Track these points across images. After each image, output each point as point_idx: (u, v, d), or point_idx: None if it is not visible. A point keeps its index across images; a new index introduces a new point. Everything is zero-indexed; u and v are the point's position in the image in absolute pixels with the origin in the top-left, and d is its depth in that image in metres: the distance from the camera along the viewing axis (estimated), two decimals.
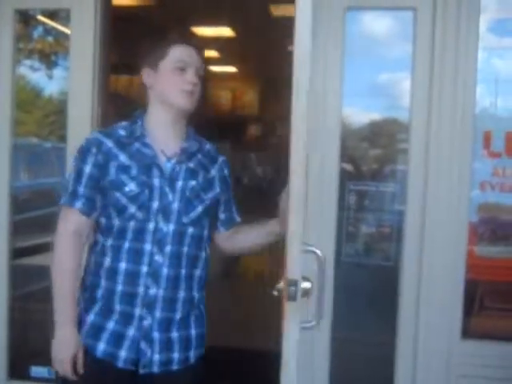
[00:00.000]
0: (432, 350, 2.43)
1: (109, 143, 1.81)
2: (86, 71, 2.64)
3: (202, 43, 1.93)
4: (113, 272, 1.79)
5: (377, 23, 2.71)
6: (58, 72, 3.38)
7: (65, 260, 1.79)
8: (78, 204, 1.80)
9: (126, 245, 1.78)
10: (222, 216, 1.97)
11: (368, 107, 2.79)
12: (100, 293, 1.80)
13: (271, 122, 7.26)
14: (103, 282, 1.80)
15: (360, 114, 2.83)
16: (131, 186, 1.77)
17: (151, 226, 1.78)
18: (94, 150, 1.80)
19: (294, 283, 1.53)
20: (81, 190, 1.80)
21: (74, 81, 2.67)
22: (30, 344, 2.91)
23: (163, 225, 1.78)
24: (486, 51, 2.50)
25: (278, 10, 4.73)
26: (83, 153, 1.82)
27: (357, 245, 2.75)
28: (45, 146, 4.63)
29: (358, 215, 2.80)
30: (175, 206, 1.80)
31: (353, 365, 2.53)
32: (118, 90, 5.80)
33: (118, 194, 1.77)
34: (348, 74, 2.50)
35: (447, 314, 2.43)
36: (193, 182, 1.84)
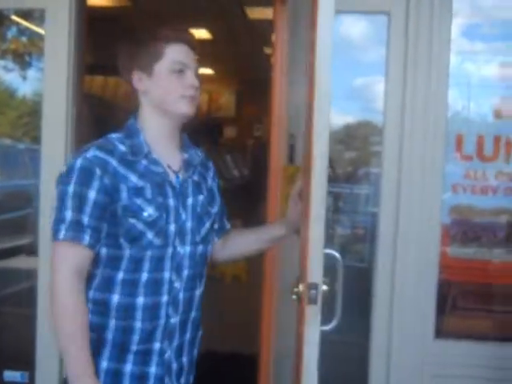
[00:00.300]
0: (405, 349, 2.46)
1: (113, 162, 1.55)
2: (60, 72, 2.62)
3: (196, 40, 1.69)
4: (128, 310, 1.57)
5: (353, 27, 2.75)
6: (32, 73, 3.35)
7: (74, 314, 1.51)
8: (86, 238, 1.51)
9: (144, 277, 1.57)
10: (215, 226, 1.79)
11: (344, 110, 2.82)
12: (110, 335, 1.57)
13: (247, 123, 7.29)
14: (113, 322, 1.57)
15: (336, 117, 2.86)
16: (149, 211, 1.55)
17: (169, 251, 1.59)
18: (98, 171, 1.52)
19: (315, 287, 1.53)
20: (85, 220, 1.51)
21: (49, 81, 2.64)
22: (3, 348, 2.87)
23: (180, 248, 1.61)
24: (459, 55, 2.54)
25: (253, 13, 4.75)
26: (85, 175, 1.52)
27: (332, 247, 2.77)
28: (18, 147, 4.58)
29: (333, 217, 2.83)
30: (189, 225, 1.63)
31: (328, 365, 2.55)
32: (93, 91, 5.76)
33: (133, 221, 1.54)
34: None
35: (420, 314, 2.46)
36: (201, 197, 1.68)
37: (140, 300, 1.57)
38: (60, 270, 1.52)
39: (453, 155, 2.49)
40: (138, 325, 1.57)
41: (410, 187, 2.43)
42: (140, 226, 1.54)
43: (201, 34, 5.54)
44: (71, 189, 1.52)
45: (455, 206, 2.51)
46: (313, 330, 1.55)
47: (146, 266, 1.57)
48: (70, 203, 1.51)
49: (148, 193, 1.56)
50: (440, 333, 2.51)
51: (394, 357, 2.47)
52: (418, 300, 2.45)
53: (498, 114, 2.54)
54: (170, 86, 1.60)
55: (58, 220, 1.52)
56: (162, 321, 1.59)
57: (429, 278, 2.46)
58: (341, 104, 2.75)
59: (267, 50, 5.48)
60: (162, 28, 1.63)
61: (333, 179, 2.94)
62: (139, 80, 1.62)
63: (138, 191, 1.55)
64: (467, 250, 2.54)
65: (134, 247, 1.55)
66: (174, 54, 1.60)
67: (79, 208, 1.51)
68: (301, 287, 1.60)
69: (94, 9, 3.93)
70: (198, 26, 5.34)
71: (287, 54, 2.39)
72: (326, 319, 1.72)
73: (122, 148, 1.58)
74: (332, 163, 2.99)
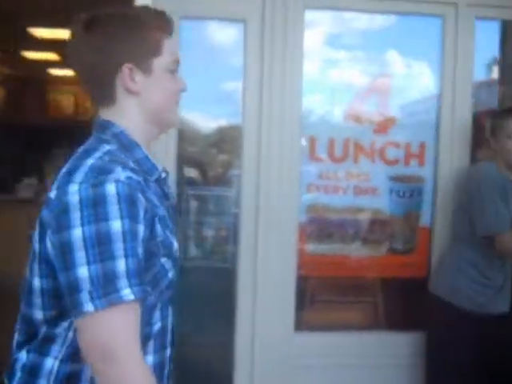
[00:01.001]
0: (268, 344, 2.54)
1: (143, 184, 1.18)
2: None
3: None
4: None
5: (215, 33, 2.79)
6: None
7: None
8: (137, 290, 1.08)
9: (156, 328, 1.23)
10: None
11: (217, 114, 2.86)
12: None
13: None
14: None
15: (209, 121, 2.90)
16: (175, 244, 1.24)
17: (172, 290, 1.27)
18: (141, 198, 1.12)
19: None
20: (135, 264, 1.08)
21: None
22: None
23: (176, 279, 1.28)
24: (319, 63, 2.68)
25: None
26: (130, 204, 1.09)
27: (197, 248, 2.81)
28: None
29: (201, 219, 2.87)
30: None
31: (194, 366, 2.58)
32: None
33: (163, 260, 1.19)
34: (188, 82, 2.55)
35: (281, 309, 2.56)
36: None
37: (150, 359, 1.20)
38: (123, 340, 1.06)
39: (308, 157, 2.62)
40: None
41: (268, 188, 2.52)
42: (169, 264, 1.21)
43: (64, 34, 5.35)
44: (117, 227, 1.06)
45: (311, 205, 2.64)
46: None
47: (158, 313, 1.23)
48: (119, 247, 1.05)
49: (168, 221, 1.24)
50: (300, 325, 2.63)
51: (257, 352, 2.55)
52: (278, 296, 2.55)
53: (349, 118, 2.70)
54: (167, 89, 1.28)
55: (109, 275, 1.04)
56: (168, 381, 1.28)
57: (288, 275, 2.56)
58: (213, 108, 2.79)
59: None
60: (151, 14, 1.28)
61: (203, 182, 2.98)
62: (130, 78, 1.24)
63: (164, 220, 1.21)
64: (322, 246, 2.68)
65: (156, 292, 1.19)
66: (171, 49, 1.29)
67: (135, 251, 1.08)
68: None
69: None
70: (60, 25, 5.16)
71: None
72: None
73: (132, 165, 1.20)
74: (203, 166, 3.02)
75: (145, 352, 1.18)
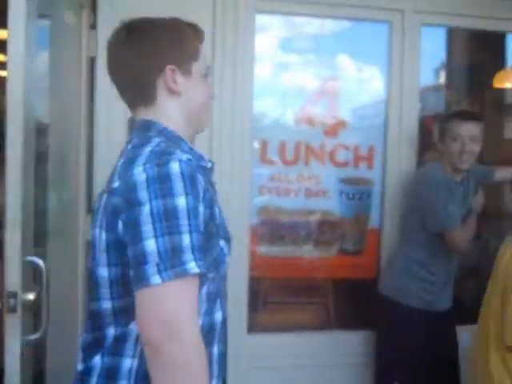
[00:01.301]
0: None
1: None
2: None
3: None
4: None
5: None
6: None
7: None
8: (201, 264, 1.10)
9: (219, 318, 1.25)
10: None
11: None
12: None
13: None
14: None
15: None
16: (229, 228, 1.30)
17: (226, 275, 1.31)
18: (201, 179, 1.15)
19: (14, 295, 1.50)
20: (198, 240, 1.11)
21: None
22: None
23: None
24: (269, 66, 2.70)
25: None
26: (191, 183, 1.12)
27: None
28: None
29: None
30: None
31: None
32: None
33: (222, 243, 1.23)
34: None
35: (234, 311, 2.52)
36: None
37: (215, 350, 1.23)
38: (186, 314, 1.07)
39: (259, 159, 2.63)
40: None
41: (219, 190, 2.45)
42: (226, 249, 1.25)
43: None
44: (182, 203, 1.09)
45: (262, 207, 2.66)
46: (13, 340, 1.51)
47: (218, 302, 1.25)
48: (184, 222, 1.08)
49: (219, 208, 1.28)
50: (253, 327, 2.65)
51: None
52: (231, 298, 2.45)
53: (300, 122, 2.72)
54: (203, 93, 1.35)
55: (176, 249, 1.06)
56: (225, 374, 1.31)
57: (240, 277, 2.57)
58: None
59: None
60: (185, 24, 1.33)
61: None
62: (172, 79, 1.29)
63: (218, 205, 1.27)
64: (275, 248, 2.69)
65: (217, 277, 1.23)
66: (205, 55, 1.37)
67: (198, 227, 1.11)
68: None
69: None
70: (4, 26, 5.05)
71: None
72: None
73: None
74: None
75: (213, 341, 1.22)
